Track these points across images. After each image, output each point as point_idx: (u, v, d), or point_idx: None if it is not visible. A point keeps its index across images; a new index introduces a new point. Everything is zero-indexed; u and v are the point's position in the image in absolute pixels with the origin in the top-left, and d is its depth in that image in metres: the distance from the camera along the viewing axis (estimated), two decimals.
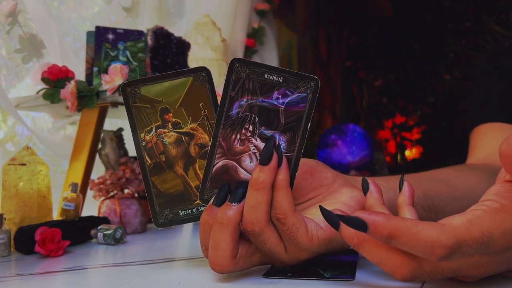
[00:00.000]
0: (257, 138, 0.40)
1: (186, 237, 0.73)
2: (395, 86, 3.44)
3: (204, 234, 0.40)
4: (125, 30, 0.84)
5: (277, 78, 0.40)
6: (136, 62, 0.84)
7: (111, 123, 1.04)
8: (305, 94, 0.40)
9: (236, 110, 0.40)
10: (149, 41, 0.92)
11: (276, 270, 0.41)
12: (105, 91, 0.71)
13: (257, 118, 0.40)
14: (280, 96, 0.40)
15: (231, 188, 0.39)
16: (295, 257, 0.39)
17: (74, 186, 0.66)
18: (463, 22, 3.09)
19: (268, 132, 0.40)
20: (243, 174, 0.40)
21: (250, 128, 0.41)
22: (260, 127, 0.41)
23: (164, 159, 0.43)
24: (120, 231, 0.62)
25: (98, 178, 0.73)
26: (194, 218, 0.43)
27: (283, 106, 0.40)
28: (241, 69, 0.40)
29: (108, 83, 0.71)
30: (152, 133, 0.43)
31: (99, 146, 0.78)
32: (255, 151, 0.40)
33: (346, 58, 3.30)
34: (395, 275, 0.33)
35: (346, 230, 0.34)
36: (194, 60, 1.17)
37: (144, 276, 0.44)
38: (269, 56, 1.62)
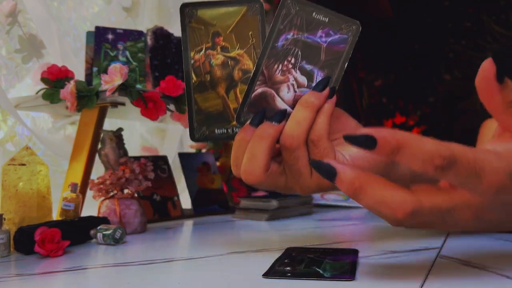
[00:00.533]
0: (297, 70, 0.43)
1: (186, 237, 0.73)
2: (395, 86, 3.44)
3: (238, 150, 0.43)
4: (125, 30, 0.84)
5: (323, 18, 0.43)
6: (136, 62, 0.84)
7: (110, 123, 1.04)
8: (346, 36, 0.43)
9: (282, 43, 0.43)
10: (149, 41, 0.92)
11: (275, 270, 0.41)
12: (104, 91, 0.71)
13: (300, 52, 0.43)
14: (323, 35, 0.43)
15: (267, 115, 0.42)
16: (318, 183, 0.42)
17: (73, 186, 0.66)
18: (463, 22, 3.09)
19: (308, 67, 0.43)
20: (279, 102, 0.43)
21: (292, 61, 0.43)
22: (302, 61, 0.43)
23: (208, 79, 0.46)
24: (119, 231, 0.62)
25: (97, 178, 0.73)
26: (228, 137, 0.46)
27: (325, 44, 0.43)
28: (292, 5, 0.43)
29: (108, 83, 0.71)
30: (201, 53, 0.46)
31: (99, 146, 0.78)
32: (294, 82, 0.43)
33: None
34: (396, 214, 0.33)
35: (346, 176, 0.34)
36: None
37: (144, 276, 0.43)
38: None
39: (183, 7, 0.47)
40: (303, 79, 0.44)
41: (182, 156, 1.04)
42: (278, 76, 0.44)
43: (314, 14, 0.43)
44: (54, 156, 0.97)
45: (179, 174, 1.15)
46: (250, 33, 0.46)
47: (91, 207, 0.79)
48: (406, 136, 0.32)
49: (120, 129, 0.80)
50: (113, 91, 0.70)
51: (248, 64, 0.46)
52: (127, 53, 0.83)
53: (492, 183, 0.33)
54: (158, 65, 0.93)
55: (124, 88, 0.72)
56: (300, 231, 0.71)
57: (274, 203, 0.87)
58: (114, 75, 0.70)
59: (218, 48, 0.46)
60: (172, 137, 1.24)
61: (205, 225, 0.81)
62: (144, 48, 0.85)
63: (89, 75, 0.81)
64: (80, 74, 0.84)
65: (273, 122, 0.41)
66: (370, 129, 0.33)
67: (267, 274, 0.40)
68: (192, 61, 0.47)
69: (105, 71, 0.76)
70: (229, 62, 0.46)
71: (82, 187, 0.76)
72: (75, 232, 0.62)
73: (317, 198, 1.08)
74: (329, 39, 0.43)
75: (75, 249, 0.59)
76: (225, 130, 0.46)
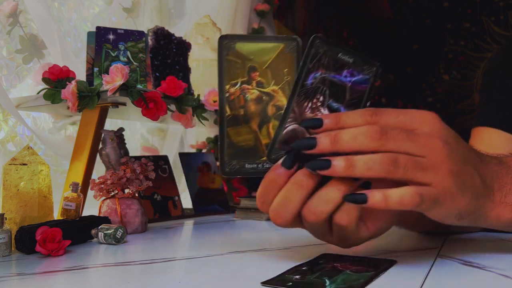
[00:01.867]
0: (325, 108, 0.44)
1: (186, 237, 0.74)
2: (394, 86, 3.44)
3: (266, 190, 0.43)
4: (126, 31, 0.84)
5: (348, 58, 0.45)
6: (137, 63, 0.84)
7: (111, 123, 1.04)
8: (368, 76, 0.44)
9: (311, 81, 0.44)
10: (150, 41, 0.92)
11: (276, 280, 0.40)
12: (105, 91, 0.72)
13: (327, 91, 0.44)
14: (348, 75, 0.45)
15: (304, 158, 0.41)
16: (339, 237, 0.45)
17: (74, 186, 0.66)
18: (462, 23, 3.09)
19: (335, 105, 0.44)
20: None
21: (321, 99, 0.44)
22: (329, 99, 0.44)
23: (242, 113, 0.47)
24: (120, 231, 0.62)
25: (98, 178, 0.74)
26: (258, 173, 0.47)
27: (350, 84, 0.44)
28: (320, 46, 0.44)
29: (109, 83, 0.71)
30: (236, 86, 0.47)
31: (100, 146, 0.78)
32: None
33: None
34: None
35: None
36: (194, 60, 1.17)
37: (145, 275, 0.44)
38: None
39: (222, 39, 0.47)
40: None
41: (183, 156, 1.04)
42: (308, 114, 0.44)
43: (340, 55, 0.45)
44: (55, 156, 0.97)
45: (179, 174, 1.15)
46: (285, 70, 0.47)
47: (92, 207, 0.79)
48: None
49: (121, 129, 0.80)
50: (114, 91, 0.70)
51: (282, 100, 0.47)
52: (128, 53, 0.83)
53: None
54: (159, 65, 0.93)
55: (125, 88, 0.72)
56: (300, 231, 0.71)
57: None
58: (115, 75, 0.71)
59: (254, 83, 0.47)
60: (172, 137, 1.25)
61: (205, 225, 0.81)
62: (145, 49, 0.85)
63: (90, 75, 0.81)
64: (81, 74, 0.84)
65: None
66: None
67: (267, 283, 0.39)
68: (227, 94, 0.47)
69: (106, 71, 0.76)
70: (264, 98, 0.47)
71: (83, 187, 0.76)
72: (76, 231, 0.62)
73: None
74: (353, 79, 0.44)
75: (76, 249, 0.59)
76: (256, 165, 0.47)
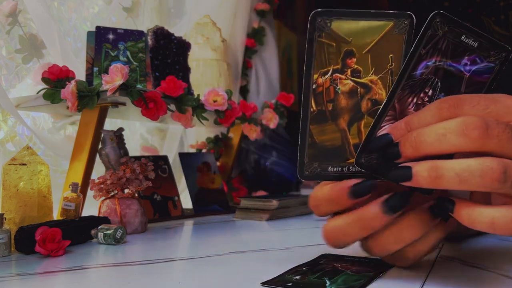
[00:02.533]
0: None
1: (186, 237, 0.73)
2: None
3: (335, 207, 0.38)
4: (126, 30, 0.84)
5: (473, 42, 0.37)
6: (137, 62, 0.84)
7: (111, 123, 1.04)
8: (493, 64, 0.37)
9: (421, 71, 0.37)
10: (150, 41, 0.92)
11: (276, 280, 0.40)
12: (105, 91, 0.71)
13: (439, 83, 0.37)
14: (468, 63, 0.37)
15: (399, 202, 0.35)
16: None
17: (74, 186, 0.66)
18: (463, 22, 3.09)
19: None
20: None
21: (430, 93, 0.37)
22: (440, 93, 0.37)
23: (330, 108, 0.39)
24: (120, 231, 0.62)
25: (98, 178, 0.73)
26: (342, 177, 0.39)
27: (469, 74, 0.37)
28: (440, 25, 0.37)
29: (109, 83, 0.71)
30: (327, 76, 0.39)
31: (100, 146, 0.78)
32: None
33: None
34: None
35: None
36: (194, 60, 1.17)
37: (145, 275, 0.44)
38: (269, 56, 1.62)
39: (315, 15, 0.39)
40: None
41: (183, 156, 1.04)
42: (412, 111, 0.37)
43: (463, 37, 0.37)
44: (54, 156, 0.97)
45: (179, 174, 1.15)
46: (390, 55, 0.39)
47: (91, 207, 0.79)
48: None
49: (121, 129, 0.80)
50: (114, 91, 0.70)
51: (381, 93, 0.39)
52: (128, 53, 0.83)
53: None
54: (158, 65, 0.93)
55: (124, 88, 0.72)
56: (300, 231, 0.71)
57: (274, 203, 0.87)
58: (115, 75, 0.71)
59: (349, 71, 0.39)
60: (172, 137, 1.24)
61: (205, 225, 0.81)
62: (145, 48, 0.85)
63: (89, 75, 0.81)
64: (80, 74, 0.84)
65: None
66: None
67: (267, 282, 0.39)
68: (315, 86, 0.39)
69: (106, 71, 0.76)
70: (359, 90, 0.39)
71: (83, 187, 0.76)
72: (76, 231, 0.62)
73: None
74: (474, 67, 0.37)
75: (75, 249, 0.59)
76: (340, 169, 0.40)
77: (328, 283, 0.38)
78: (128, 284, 0.40)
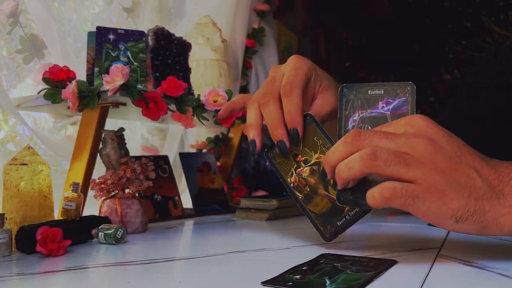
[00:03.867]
0: None
1: (186, 237, 0.74)
2: None
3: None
4: (126, 31, 0.84)
5: (379, 91, 0.49)
6: (137, 63, 0.84)
7: (112, 123, 1.04)
8: (405, 98, 0.48)
9: (352, 124, 0.50)
10: (150, 41, 0.92)
11: (276, 280, 0.40)
12: (106, 91, 0.72)
13: (369, 127, 0.49)
14: (384, 105, 0.49)
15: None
16: None
17: (75, 185, 0.66)
18: (463, 22, 3.09)
19: None
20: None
21: None
22: None
23: (309, 189, 0.54)
24: (121, 231, 0.62)
25: (99, 178, 0.74)
26: (350, 223, 0.51)
27: (389, 112, 0.48)
28: (349, 92, 0.50)
29: (109, 83, 0.71)
30: (294, 175, 0.55)
31: (100, 146, 0.78)
32: None
33: (345, 58, 3.30)
34: None
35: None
36: (194, 60, 1.18)
37: (145, 275, 0.44)
38: (269, 56, 1.62)
39: (266, 154, 0.58)
40: None
41: (183, 156, 1.04)
42: None
43: (369, 92, 0.49)
44: (55, 156, 0.97)
45: (179, 174, 1.15)
46: (315, 138, 0.54)
47: (92, 207, 0.79)
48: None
49: (122, 129, 0.80)
50: (114, 91, 0.70)
51: None
52: (128, 53, 0.83)
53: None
54: (159, 65, 0.93)
55: (125, 88, 0.72)
56: (300, 231, 0.71)
57: (274, 203, 0.87)
58: (116, 75, 0.71)
59: (302, 163, 0.55)
60: (172, 137, 1.25)
61: (205, 225, 0.81)
62: (145, 49, 0.85)
63: (90, 75, 0.81)
64: (81, 74, 0.84)
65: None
66: None
67: (267, 282, 0.39)
68: (291, 185, 0.55)
69: (107, 71, 0.76)
70: (315, 168, 0.54)
71: (84, 187, 0.76)
72: (77, 231, 0.62)
73: None
74: (391, 106, 0.48)
75: (76, 249, 0.59)
76: (344, 219, 0.52)
77: (328, 282, 0.38)
78: (129, 284, 0.40)
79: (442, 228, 0.42)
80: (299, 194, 0.55)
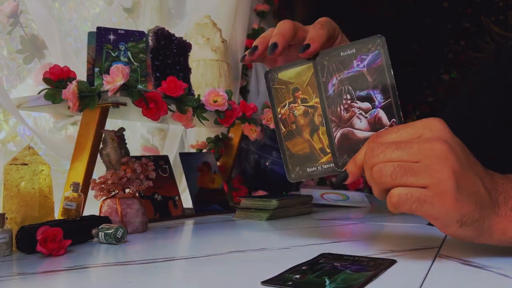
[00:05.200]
0: (357, 101, 0.49)
1: (186, 237, 0.74)
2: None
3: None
4: (126, 31, 0.84)
5: (350, 51, 0.49)
6: (137, 63, 0.84)
7: (112, 123, 1.04)
8: (377, 51, 0.48)
9: (332, 89, 0.50)
10: (150, 41, 0.92)
11: (276, 279, 0.40)
12: (106, 91, 0.72)
13: (349, 87, 0.49)
14: (359, 63, 0.49)
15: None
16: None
17: (75, 185, 0.66)
18: (462, 23, 3.09)
19: (363, 93, 0.49)
20: (359, 133, 0.49)
21: (348, 97, 0.50)
22: (355, 92, 0.49)
23: (294, 128, 0.54)
24: (121, 231, 0.62)
25: (99, 178, 0.74)
26: (319, 173, 0.52)
27: (365, 68, 0.49)
28: (322, 59, 0.51)
29: (110, 83, 0.71)
30: (286, 107, 0.54)
31: (101, 146, 0.78)
32: (360, 111, 0.49)
33: None
34: None
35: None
36: (194, 60, 1.18)
37: (145, 275, 0.44)
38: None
39: (267, 73, 0.55)
40: (366, 105, 0.49)
41: (183, 156, 1.04)
42: (345, 115, 0.50)
43: (342, 53, 0.50)
44: (55, 156, 0.97)
45: (180, 174, 1.15)
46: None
47: (92, 207, 0.79)
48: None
49: (122, 129, 0.80)
50: (115, 91, 0.71)
51: None
52: (129, 53, 0.83)
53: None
54: (159, 66, 0.93)
55: (125, 89, 0.72)
56: (300, 230, 0.72)
57: (274, 203, 0.87)
58: (116, 76, 0.71)
59: (299, 100, 0.54)
60: (173, 137, 1.25)
61: (205, 225, 0.82)
62: (145, 49, 0.85)
63: (90, 76, 0.81)
64: (81, 74, 0.84)
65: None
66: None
67: (267, 282, 0.39)
68: (279, 115, 0.55)
69: (107, 72, 0.76)
70: (309, 110, 0.53)
71: (84, 187, 0.76)
72: (77, 231, 0.62)
73: (317, 198, 1.08)
74: (365, 62, 0.49)
75: (76, 248, 0.59)
76: (315, 168, 0.52)
77: (327, 282, 0.39)
78: (129, 283, 0.41)
79: (443, 232, 0.43)
80: (283, 128, 0.54)
